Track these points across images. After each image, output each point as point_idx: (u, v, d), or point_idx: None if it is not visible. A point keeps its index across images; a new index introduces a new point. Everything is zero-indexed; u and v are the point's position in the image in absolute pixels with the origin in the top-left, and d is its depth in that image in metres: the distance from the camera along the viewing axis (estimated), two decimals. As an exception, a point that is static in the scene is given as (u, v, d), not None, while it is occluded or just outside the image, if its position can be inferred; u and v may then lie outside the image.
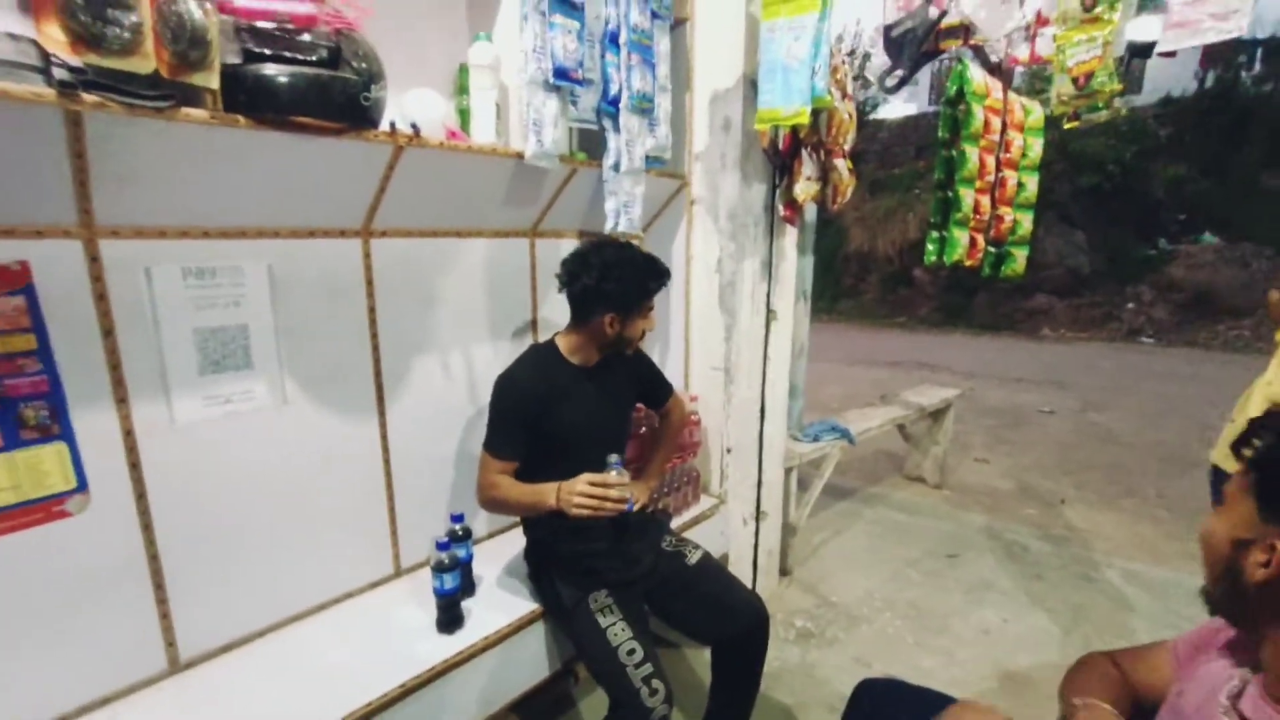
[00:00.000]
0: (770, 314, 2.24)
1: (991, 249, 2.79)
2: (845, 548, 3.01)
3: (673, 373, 2.31)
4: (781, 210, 2.14)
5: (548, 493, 1.39)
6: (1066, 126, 2.41)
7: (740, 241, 2.10)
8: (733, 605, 1.59)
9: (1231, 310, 9.11)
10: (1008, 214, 2.70)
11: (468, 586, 1.63)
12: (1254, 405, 1.73)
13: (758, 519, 2.38)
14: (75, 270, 1.10)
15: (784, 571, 2.72)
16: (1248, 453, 0.75)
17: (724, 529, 2.29)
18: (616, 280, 1.43)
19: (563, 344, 1.55)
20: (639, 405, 1.78)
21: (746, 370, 2.21)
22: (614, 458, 1.41)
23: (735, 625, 1.59)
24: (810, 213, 2.70)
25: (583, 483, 1.35)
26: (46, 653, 1.16)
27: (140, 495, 1.24)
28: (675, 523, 2.02)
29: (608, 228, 1.78)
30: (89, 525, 1.17)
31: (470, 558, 1.64)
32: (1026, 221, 2.74)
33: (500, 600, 1.62)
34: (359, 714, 1.22)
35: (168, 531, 1.29)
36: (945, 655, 2.20)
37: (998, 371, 7.40)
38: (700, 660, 2.13)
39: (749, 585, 1.75)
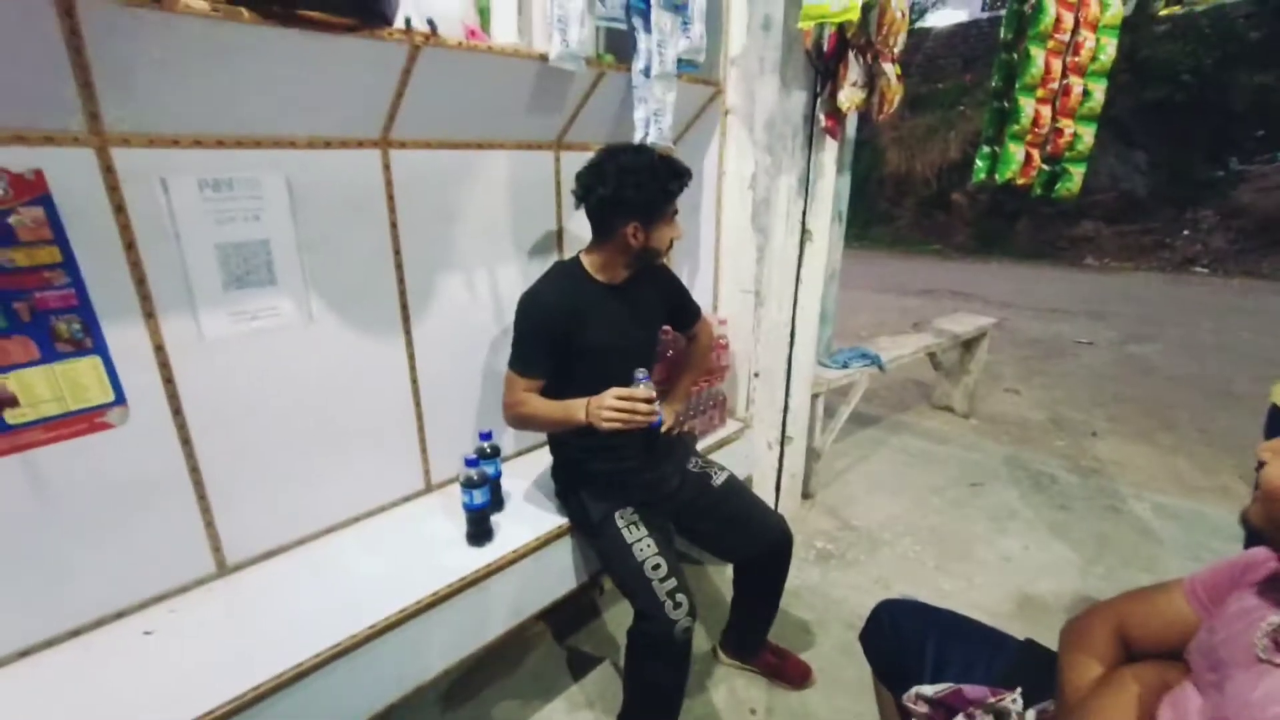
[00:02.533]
0: (805, 234, 2.14)
1: (1045, 166, 2.60)
2: (869, 474, 3.02)
3: (701, 294, 2.25)
4: (823, 120, 1.99)
5: (577, 408, 1.37)
6: (1164, 12, 2.15)
7: (777, 155, 1.98)
8: (757, 525, 1.61)
9: (1299, 238, 8.52)
10: (1069, 127, 2.49)
11: (496, 502, 1.67)
12: None
13: (783, 443, 2.37)
14: (91, 180, 1.07)
15: (806, 495, 2.75)
16: None
17: (749, 452, 2.29)
18: (634, 186, 1.36)
19: (588, 261, 1.50)
20: (666, 328, 1.74)
21: (778, 293, 2.14)
22: (641, 372, 1.37)
23: (759, 544, 1.61)
24: (850, 127, 2.52)
25: (611, 397, 1.32)
26: (103, 552, 1.22)
27: (176, 410, 1.26)
28: (701, 445, 2.03)
29: (637, 138, 1.68)
30: (131, 437, 1.20)
31: (499, 474, 1.67)
32: (1088, 136, 2.52)
33: (528, 515, 1.66)
34: (395, 619, 1.28)
35: (206, 444, 1.32)
36: (965, 580, 2.23)
37: (1035, 301, 7.13)
38: (723, 576, 2.19)
39: (772, 508, 1.77)
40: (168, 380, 1.24)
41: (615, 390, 1.33)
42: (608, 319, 1.47)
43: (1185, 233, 9.48)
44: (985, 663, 1.08)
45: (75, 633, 1.21)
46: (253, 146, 1.25)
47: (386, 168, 1.49)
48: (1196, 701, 0.74)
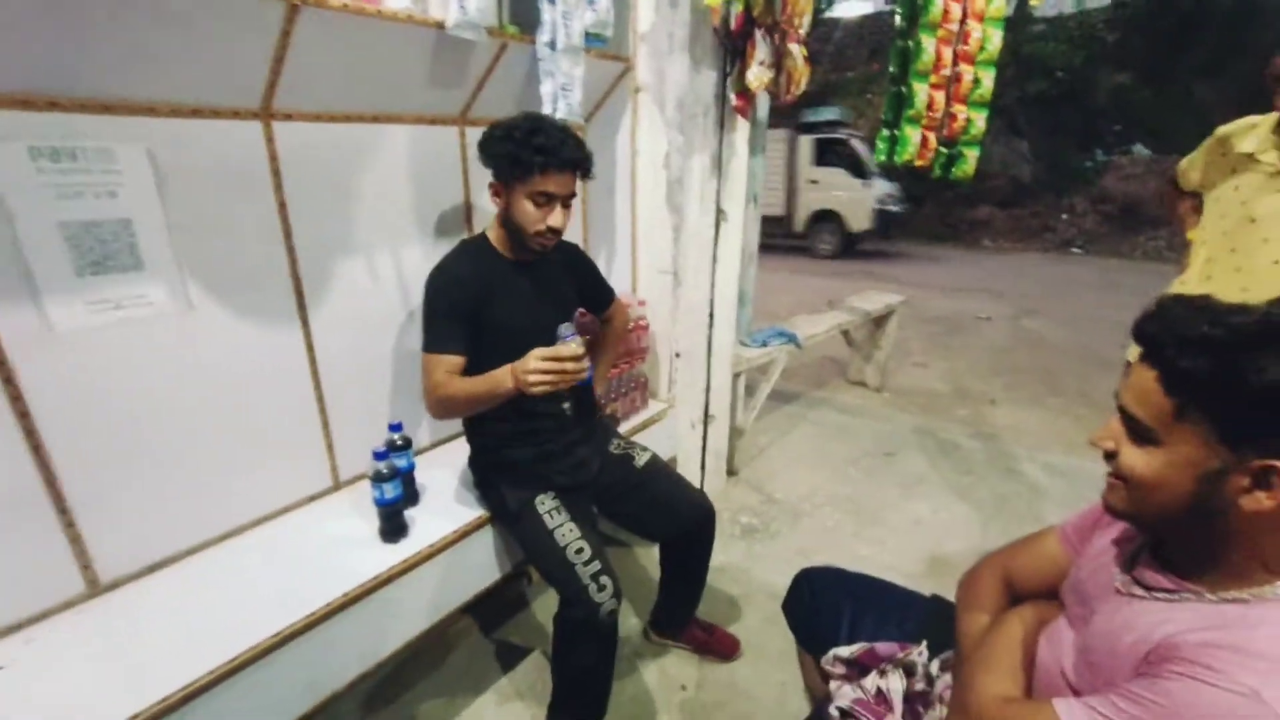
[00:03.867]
0: (720, 214, 2.16)
1: (943, 149, 2.74)
2: (790, 448, 3.12)
3: (620, 276, 2.23)
4: (733, 100, 2.00)
5: (502, 377, 1.27)
6: (1035, 3, 2.30)
7: (689, 134, 1.97)
8: (680, 504, 1.61)
9: (1153, 221, 9.53)
10: (961, 112, 2.63)
11: (410, 496, 1.59)
12: None
13: (705, 423, 2.40)
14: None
15: (731, 472, 2.80)
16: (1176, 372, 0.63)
17: (672, 432, 2.30)
18: (500, 140, 1.30)
19: (492, 235, 1.45)
20: (582, 310, 1.70)
21: (694, 273, 2.15)
22: (566, 328, 1.30)
23: (683, 523, 1.62)
24: (762, 109, 2.56)
25: (535, 358, 1.22)
26: (-64, 582, 1.06)
27: (22, 414, 1.11)
28: (624, 426, 2.01)
29: (544, 113, 1.62)
30: (-36, 446, 1.05)
31: (411, 467, 1.59)
32: (980, 120, 2.68)
33: (445, 508, 1.59)
34: (299, 625, 1.19)
35: (64, 451, 1.17)
36: (879, 544, 2.34)
37: (940, 281, 7.61)
38: (649, 557, 2.20)
39: (696, 486, 1.79)
40: (8, 380, 1.08)
41: (539, 350, 1.24)
42: (516, 296, 1.42)
43: (1064, 216, 10.40)
44: (896, 621, 1.13)
45: (-95, 675, 1.05)
46: (100, 112, 1.10)
47: (270, 140, 1.36)
48: (1069, 635, 0.80)
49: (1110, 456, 0.71)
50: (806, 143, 9.35)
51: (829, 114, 9.68)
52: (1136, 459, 0.67)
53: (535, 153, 1.28)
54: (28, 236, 1.06)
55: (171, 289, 1.26)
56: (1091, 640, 0.74)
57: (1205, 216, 1.67)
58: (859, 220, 9.18)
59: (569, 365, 1.23)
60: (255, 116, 1.33)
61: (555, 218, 1.36)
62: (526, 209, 1.34)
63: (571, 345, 1.26)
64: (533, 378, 1.22)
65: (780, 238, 9.68)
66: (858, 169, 9.07)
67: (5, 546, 1.13)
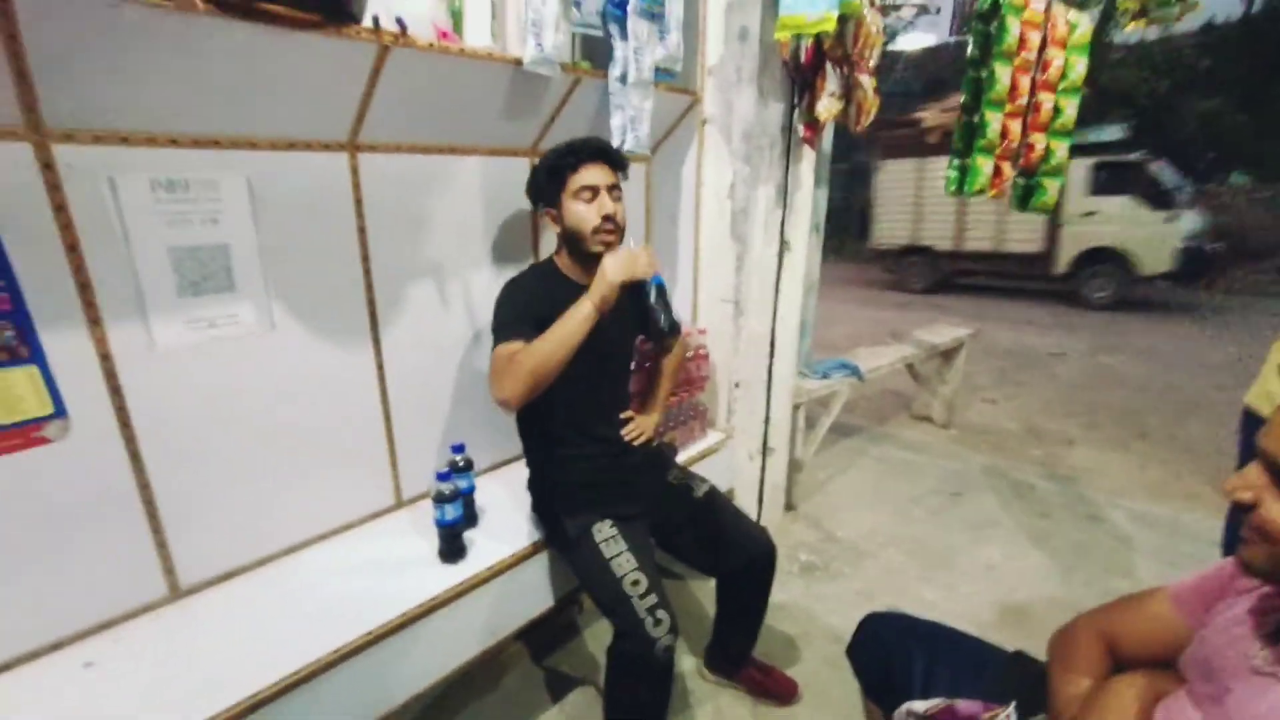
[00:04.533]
0: (784, 245, 2.13)
1: (1020, 180, 2.64)
2: (851, 484, 3.00)
3: (681, 304, 2.23)
4: (801, 131, 1.99)
5: (583, 303, 1.29)
6: (1127, 28, 2.21)
7: (755, 165, 1.97)
8: (739, 538, 1.57)
9: (1254, 253, 8.85)
10: (1040, 141, 2.53)
11: (470, 517, 1.60)
12: None
13: (764, 455, 2.34)
14: (27, 178, 1.00)
15: (789, 507, 2.71)
16: None
17: (730, 464, 2.26)
18: (539, 171, 1.42)
19: (559, 262, 1.49)
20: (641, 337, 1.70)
21: (757, 303, 2.12)
22: (631, 239, 1.43)
23: (741, 557, 1.57)
24: (827, 141, 2.54)
25: (622, 258, 1.32)
26: (39, 577, 1.13)
27: (125, 423, 1.19)
28: (681, 456, 1.98)
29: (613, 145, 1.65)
30: (72, 452, 1.12)
31: (472, 489, 1.61)
32: (1061, 150, 2.57)
33: (503, 531, 1.60)
34: (361, 642, 1.21)
35: (158, 459, 1.24)
36: (947, 589, 2.21)
37: (1009, 314, 7.27)
38: (705, 591, 2.14)
39: (754, 520, 1.74)
40: (114, 390, 1.16)
41: (624, 255, 1.33)
42: None
43: (1148, 248, 9.78)
44: (973, 676, 1.05)
45: (6, 666, 1.11)
46: (210, 146, 1.20)
47: (354, 171, 1.44)
48: (1194, 714, 0.71)
49: (1248, 509, 0.64)
50: (1081, 167, 7.50)
51: (1111, 133, 7.89)
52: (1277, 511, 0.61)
53: (565, 155, 1.38)
54: (142, 260, 1.15)
55: (258, 309, 1.34)
56: None
57: None
58: (1155, 261, 7.31)
59: (642, 256, 1.34)
60: (343, 148, 1.41)
61: (606, 206, 1.40)
62: (577, 210, 1.39)
63: (636, 248, 1.37)
64: (610, 271, 1.29)
65: (1031, 279, 8.25)
66: (1159, 198, 7.32)
67: (102, 548, 1.20)
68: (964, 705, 0.95)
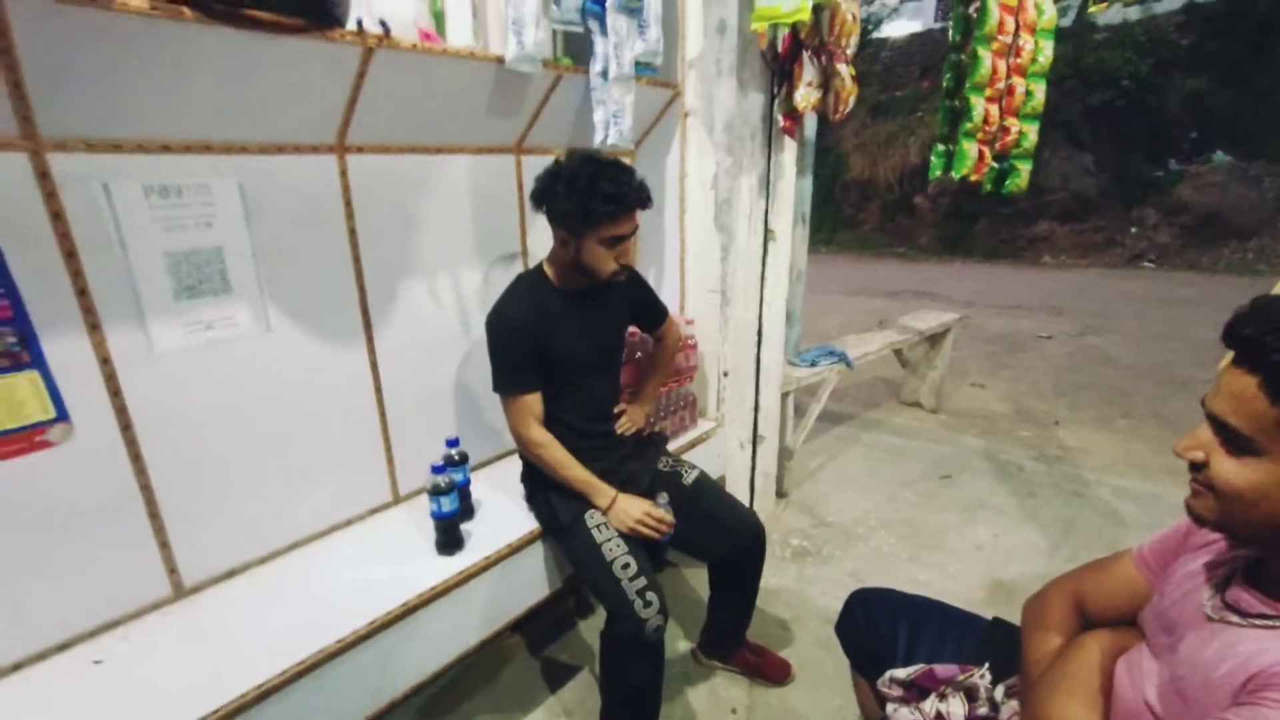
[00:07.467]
0: (768, 234, 2.17)
1: (995, 164, 2.69)
2: (841, 470, 3.05)
3: (668, 295, 2.26)
4: (780, 121, 2.02)
5: (601, 494, 1.47)
6: (1093, 9, 2.25)
7: (737, 156, 2.00)
8: (729, 522, 1.61)
9: (1237, 232, 8.94)
10: (1014, 125, 2.58)
11: (466, 510, 1.64)
12: None
13: (754, 442, 2.38)
14: (24, 187, 1.03)
15: (780, 494, 2.76)
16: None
17: (720, 452, 2.30)
18: (563, 196, 1.31)
19: (549, 269, 1.50)
20: (633, 329, 1.74)
21: (743, 292, 2.16)
22: (662, 496, 1.55)
23: (732, 542, 1.61)
24: (810, 129, 2.57)
25: (641, 511, 1.45)
26: (47, 578, 1.16)
27: (126, 426, 1.21)
28: (673, 445, 2.02)
29: (596, 141, 1.69)
30: (75, 455, 1.15)
31: (467, 482, 1.65)
32: (1032, 133, 2.62)
33: (499, 522, 1.63)
34: (363, 631, 1.24)
35: (158, 461, 1.27)
36: (939, 569, 2.26)
37: (997, 299, 7.33)
38: (698, 578, 2.18)
39: (743, 503, 1.78)
40: (115, 394, 1.19)
41: (647, 507, 1.47)
42: (575, 327, 1.47)
43: (1133, 230, 9.87)
44: (955, 643, 1.09)
45: (17, 666, 1.14)
46: (202, 152, 1.22)
47: (344, 173, 1.46)
48: (1152, 664, 0.76)
49: (1198, 468, 0.67)
50: None
51: None
52: (1232, 470, 0.64)
53: (604, 202, 1.29)
54: (138, 265, 1.17)
55: (254, 311, 1.37)
56: (1181, 669, 0.70)
57: None
58: None
59: (662, 527, 1.47)
60: (331, 150, 1.44)
61: (627, 256, 1.41)
62: (599, 253, 1.37)
63: (664, 512, 1.49)
64: (630, 522, 1.44)
65: None
66: None
67: (107, 549, 1.23)
68: (942, 669, 1.00)
